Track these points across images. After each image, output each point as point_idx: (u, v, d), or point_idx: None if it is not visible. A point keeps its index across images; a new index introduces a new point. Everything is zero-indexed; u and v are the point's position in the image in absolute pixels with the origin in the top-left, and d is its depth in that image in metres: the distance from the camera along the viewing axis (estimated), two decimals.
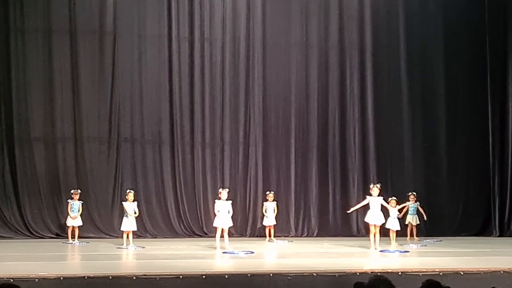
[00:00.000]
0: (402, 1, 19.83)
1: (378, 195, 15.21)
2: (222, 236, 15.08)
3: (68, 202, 16.44)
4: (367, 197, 15.42)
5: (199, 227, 18.23)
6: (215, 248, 14.88)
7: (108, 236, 17.29)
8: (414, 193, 17.87)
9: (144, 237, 17.31)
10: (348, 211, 16.55)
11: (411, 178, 19.44)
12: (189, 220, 18.27)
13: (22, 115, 17.51)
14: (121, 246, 15.19)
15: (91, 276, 10.00)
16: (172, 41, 18.46)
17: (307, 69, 19.34)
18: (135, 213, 15.48)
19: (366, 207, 15.53)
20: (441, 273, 10.32)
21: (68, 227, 16.39)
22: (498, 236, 19.00)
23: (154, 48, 18.46)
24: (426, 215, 17.71)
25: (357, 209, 16.27)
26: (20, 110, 17.49)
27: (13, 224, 17.14)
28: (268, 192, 17.80)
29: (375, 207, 15.14)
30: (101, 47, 18.06)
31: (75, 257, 14.78)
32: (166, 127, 18.44)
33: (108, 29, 18.10)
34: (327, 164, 19.29)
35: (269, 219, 17.43)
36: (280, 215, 17.89)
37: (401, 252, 14.95)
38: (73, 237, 16.25)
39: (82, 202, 16.49)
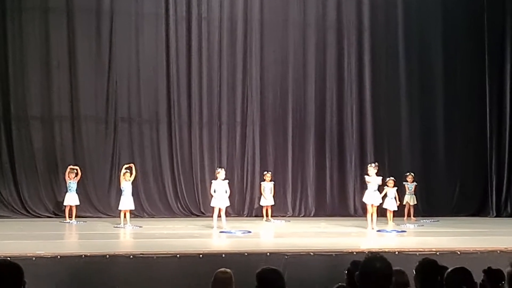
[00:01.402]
0: None
1: (376, 175, 15.22)
2: (219, 215, 15.09)
3: (65, 180, 16.48)
4: (366, 177, 15.41)
5: (196, 206, 18.24)
6: (212, 227, 14.91)
7: (106, 215, 17.30)
8: (412, 174, 17.88)
9: (141, 217, 17.32)
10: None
11: (409, 158, 19.41)
12: (186, 199, 18.27)
13: (19, 94, 17.46)
14: (118, 225, 15.23)
15: (88, 254, 10.04)
16: (169, 19, 18.36)
17: (304, 48, 19.24)
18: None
19: (364, 187, 15.58)
20: (437, 253, 10.34)
21: (65, 206, 16.41)
22: (495, 217, 19.00)
23: (151, 27, 18.37)
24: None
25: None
26: (17, 88, 17.43)
27: (10, 203, 17.13)
28: (265, 172, 17.79)
29: (373, 187, 15.16)
30: (98, 26, 17.98)
31: (73, 236, 14.83)
32: (163, 106, 18.39)
33: (105, 7, 18.00)
34: (325, 144, 19.26)
35: (267, 199, 17.44)
36: (277, 195, 17.88)
37: (398, 232, 15.00)
38: (70, 216, 16.26)
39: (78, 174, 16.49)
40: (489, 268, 6.27)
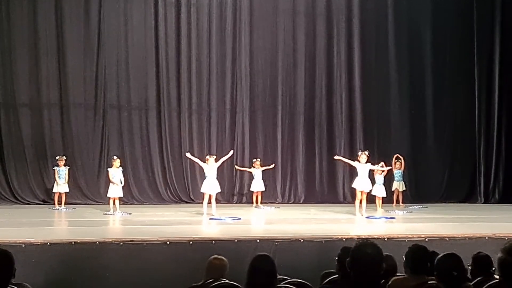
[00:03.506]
0: None
1: (366, 162, 15.23)
2: (209, 202, 15.09)
3: (54, 169, 16.39)
4: (356, 162, 15.40)
5: (186, 193, 18.25)
6: (202, 214, 14.90)
7: (95, 202, 17.26)
8: (400, 160, 17.90)
9: (131, 204, 17.30)
10: (335, 157, 16.44)
11: (398, 144, 19.41)
12: (175, 186, 18.26)
13: (7, 81, 17.38)
14: (107, 212, 15.20)
15: (78, 241, 10.03)
16: (158, 6, 18.28)
17: (294, 35, 19.21)
18: (120, 182, 15.47)
19: (354, 173, 15.61)
20: (426, 239, 10.40)
21: (54, 193, 16.37)
22: (483, 203, 19.10)
23: (140, 13, 18.27)
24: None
25: (343, 162, 16.30)
26: (5, 75, 17.35)
27: None
28: (254, 160, 17.80)
29: (363, 173, 15.18)
30: (86, 12, 17.87)
31: (62, 223, 14.80)
32: (152, 93, 18.34)
33: None
34: (314, 131, 19.27)
35: (257, 185, 17.45)
36: (266, 182, 17.89)
37: (387, 218, 15.03)
38: (59, 203, 16.23)
39: (68, 167, 16.45)
40: (478, 253, 6.32)
